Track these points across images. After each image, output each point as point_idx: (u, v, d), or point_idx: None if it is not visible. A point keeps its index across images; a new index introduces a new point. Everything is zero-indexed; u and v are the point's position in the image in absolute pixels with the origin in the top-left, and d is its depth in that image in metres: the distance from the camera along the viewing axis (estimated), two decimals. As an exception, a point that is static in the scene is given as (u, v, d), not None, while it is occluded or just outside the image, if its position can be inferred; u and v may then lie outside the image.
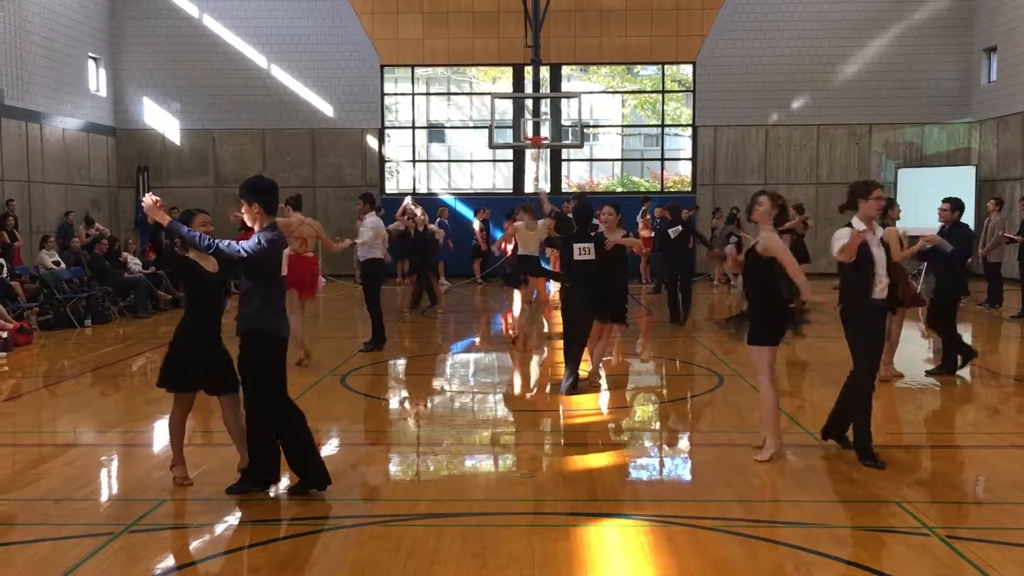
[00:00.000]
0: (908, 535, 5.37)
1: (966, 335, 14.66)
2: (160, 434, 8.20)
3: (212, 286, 6.16)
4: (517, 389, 10.34)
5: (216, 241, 5.79)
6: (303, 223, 10.97)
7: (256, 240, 5.81)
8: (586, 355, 9.68)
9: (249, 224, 6.01)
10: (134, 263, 17.19)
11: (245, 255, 5.75)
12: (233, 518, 5.76)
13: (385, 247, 12.51)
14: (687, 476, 7.09)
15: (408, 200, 16.65)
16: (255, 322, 5.87)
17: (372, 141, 24.44)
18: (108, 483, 6.86)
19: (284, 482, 6.23)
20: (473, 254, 22.51)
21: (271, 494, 6.08)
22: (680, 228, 14.70)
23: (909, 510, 5.75)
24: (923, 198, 22.56)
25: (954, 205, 10.40)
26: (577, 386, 9.34)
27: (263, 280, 5.91)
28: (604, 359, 10.28)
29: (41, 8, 20.47)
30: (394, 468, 7.21)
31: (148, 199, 5.85)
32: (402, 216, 15.84)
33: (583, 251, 9.16)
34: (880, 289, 6.72)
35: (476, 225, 22.52)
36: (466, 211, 23.86)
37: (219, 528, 5.62)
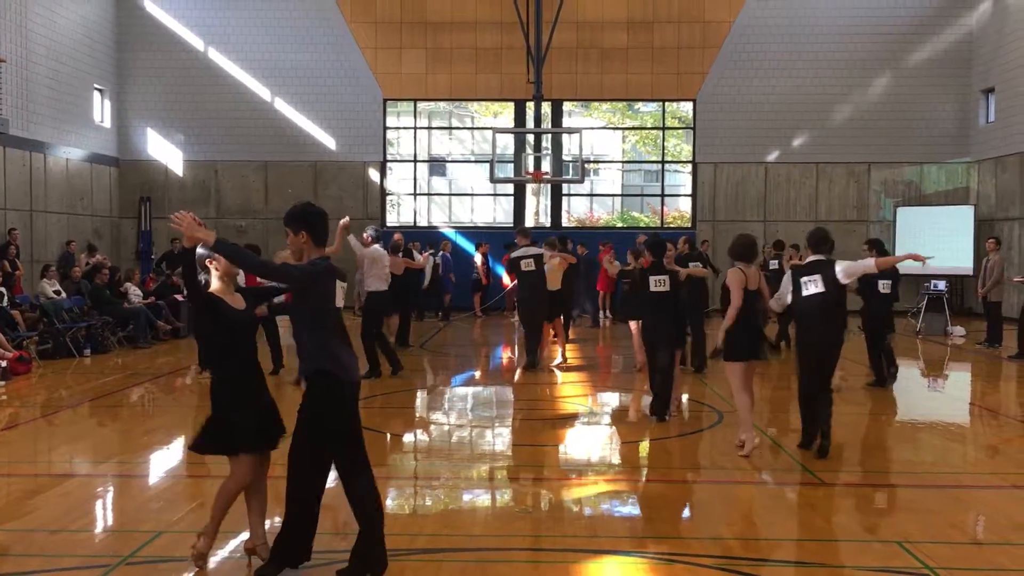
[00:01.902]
0: (909, 575, 5.34)
1: (963, 374, 14.70)
2: (157, 465, 8.18)
3: (241, 325, 5.39)
4: (516, 423, 10.30)
5: (267, 260, 5.30)
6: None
7: (307, 264, 5.13)
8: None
9: (295, 259, 5.25)
10: (134, 293, 17.19)
11: (292, 275, 5.10)
12: (231, 552, 5.72)
13: (387, 280, 12.66)
14: (687, 513, 7.05)
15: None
16: (313, 363, 5.13)
17: (374, 174, 24.56)
18: (105, 514, 6.83)
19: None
20: (473, 287, 22.54)
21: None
22: (700, 264, 14.55)
23: (910, 550, 5.71)
24: (922, 237, 22.71)
25: (872, 245, 12.13)
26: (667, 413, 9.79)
27: (312, 316, 5.17)
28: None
29: (47, 39, 20.66)
30: (393, 502, 7.17)
31: (186, 217, 5.00)
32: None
33: (659, 283, 9.70)
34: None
35: (478, 259, 22.56)
36: (466, 244, 23.93)
37: (216, 561, 5.58)
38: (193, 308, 5.54)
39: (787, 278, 8.38)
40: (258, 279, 8.07)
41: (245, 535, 5.95)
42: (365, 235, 12.89)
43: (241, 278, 7.75)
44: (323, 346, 5.14)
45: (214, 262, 5.36)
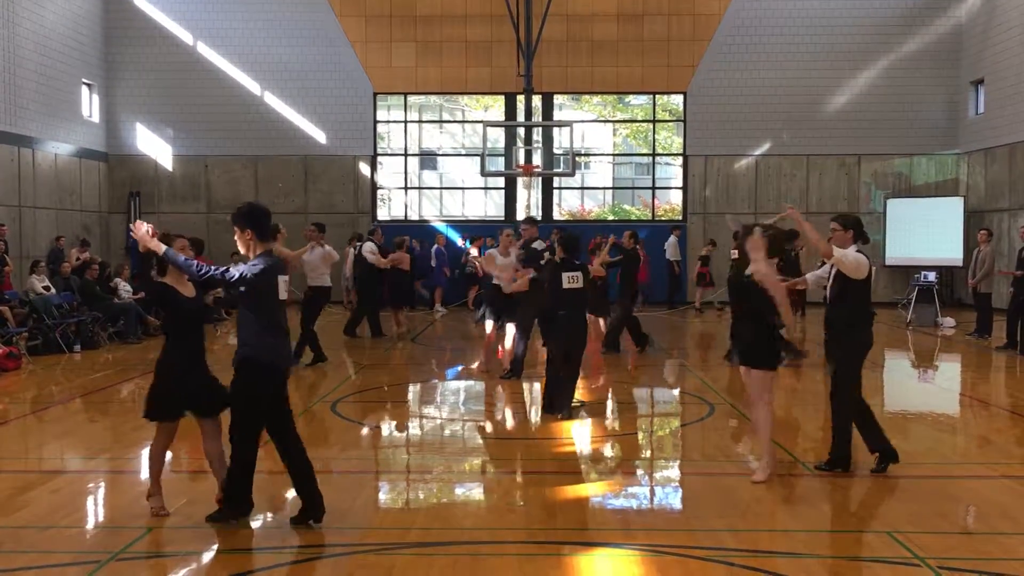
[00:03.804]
0: (900, 565, 5.36)
1: (953, 365, 14.77)
2: (147, 461, 8.15)
3: (190, 312, 6.11)
4: (507, 417, 10.30)
5: (210, 269, 5.78)
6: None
7: (251, 266, 5.77)
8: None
9: (242, 252, 5.93)
10: (124, 289, 17.12)
11: (237, 279, 5.70)
12: (221, 546, 5.70)
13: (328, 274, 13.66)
14: (678, 505, 7.07)
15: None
16: (250, 350, 5.78)
17: (364, 168, 24.50)
18: (95, 510, 6.81)
19: (262, 514, 6.19)
20: (468, 281, 22.49)
21: (254, 524, 6.03)
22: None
23: (900, 540, 5.74)
24: (911, 228, 22.79)
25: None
26: (572, 411, 9.50)
27: (257, 307, 5.81)
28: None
29: (35, 34, 20.54)
30: (384, 496, 7.17)
31: (141, 228, 5.77)
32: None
33: (572, 279, 9.47)
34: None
35: (474, 252, 22.48)
36: (457, 238, 23.89)
37: (207, 556, 5.58)
38: (149, 298, 6.39)
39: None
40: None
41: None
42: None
43: None
44: (263, 333, 5.76)
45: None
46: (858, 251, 7.24)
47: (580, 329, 9.64)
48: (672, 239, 22.85)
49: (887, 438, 7.29)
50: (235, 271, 5.77)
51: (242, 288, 5.74)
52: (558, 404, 9.47)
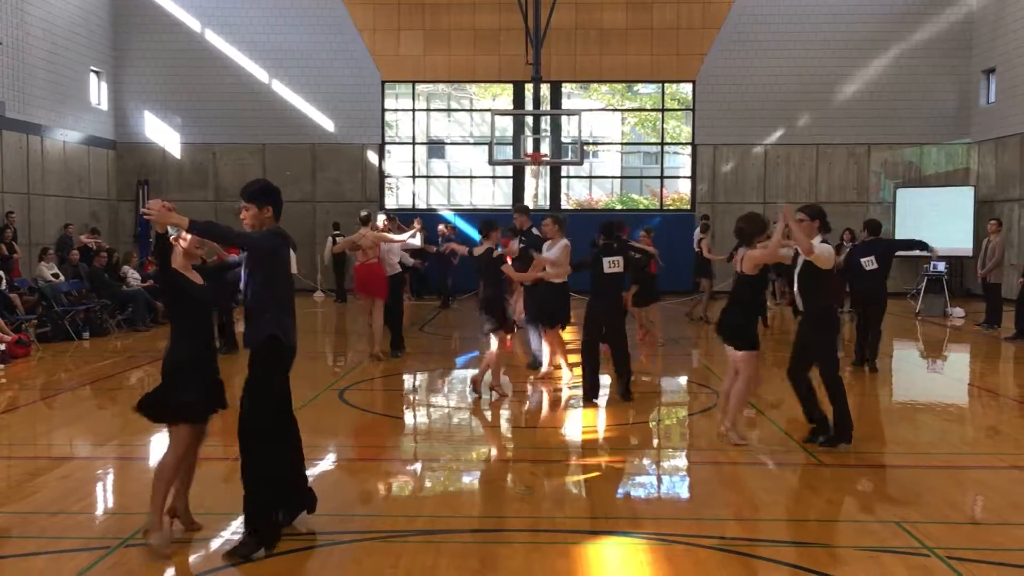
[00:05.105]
0: (908, 555, 5.35)
1: (962, 355, 14.73)
2: (156, 447, 8.17)
3: (202, 302, 5.66)
4: (515, 405, 10.29)
5: (239, 231, 5.48)
6: (363, 235, 12.20)
7: (268, 233, 5.45)
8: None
9: (253, 230, 5.52)
10: (133, 276, 17.17)
11: (261, 244, 5.39)
12: (229, 533, 5.72)
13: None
14: (686, 494, 7.07)
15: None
16: (265, 329, 5.44)
17: (372, 156, 24.49)
18: (104, 496, 6.84)
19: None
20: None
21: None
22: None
23: (909, 530, 5.72)
24: (921, 218, 22.69)
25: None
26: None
27: (272, 283, 5.48)
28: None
29: (43, 22, 20.54)
30: (392, 484, 7.18)
31: (155, 204, 5.17)
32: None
33: (613, 264, 9.57)
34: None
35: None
36: (463, 226, 23.85)
37: (215, 543, 5.59)
38: (161, 287, 5.83)
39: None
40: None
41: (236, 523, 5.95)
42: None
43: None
44: (275, 314, 5.45)
45: (180, 240, 5.52)
46: (823, 241, 7.71)
47: (619, 311, 9.95)
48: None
49: (823, 412, 7.74)
50: (256, 234, 5.43)
51: (261, 253, 5.41)
52: (620, 388, 9.76)
